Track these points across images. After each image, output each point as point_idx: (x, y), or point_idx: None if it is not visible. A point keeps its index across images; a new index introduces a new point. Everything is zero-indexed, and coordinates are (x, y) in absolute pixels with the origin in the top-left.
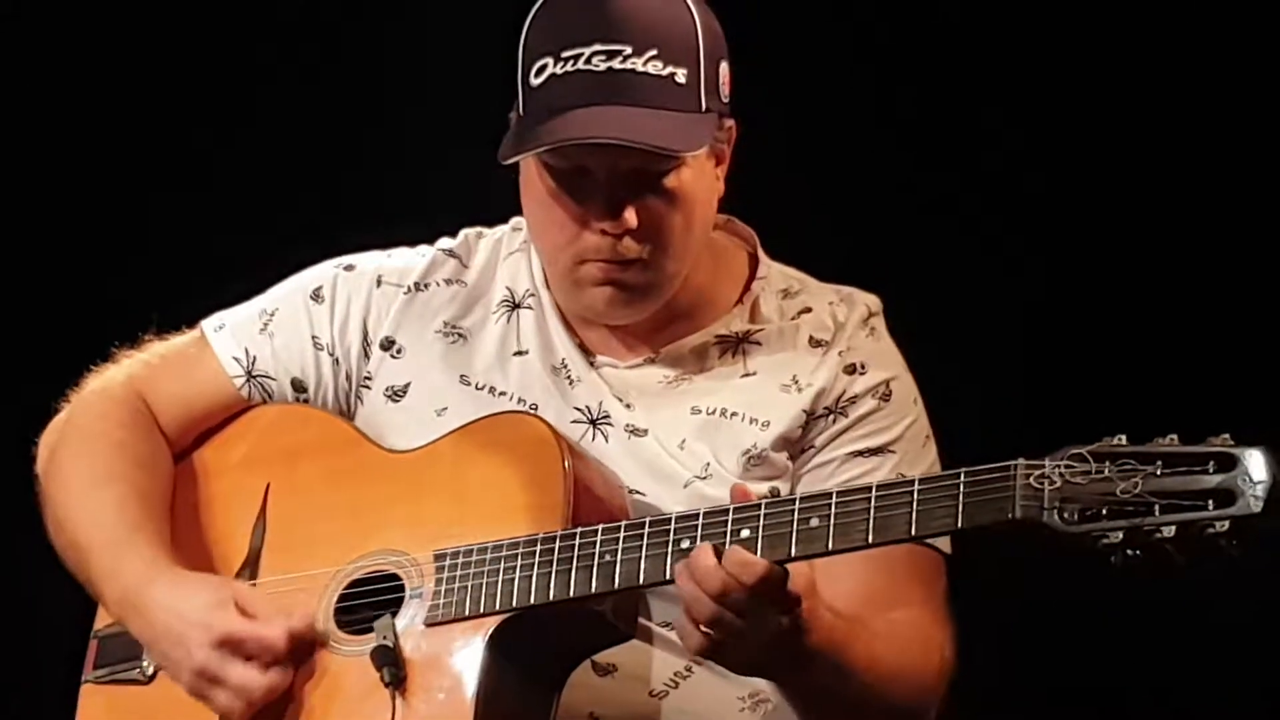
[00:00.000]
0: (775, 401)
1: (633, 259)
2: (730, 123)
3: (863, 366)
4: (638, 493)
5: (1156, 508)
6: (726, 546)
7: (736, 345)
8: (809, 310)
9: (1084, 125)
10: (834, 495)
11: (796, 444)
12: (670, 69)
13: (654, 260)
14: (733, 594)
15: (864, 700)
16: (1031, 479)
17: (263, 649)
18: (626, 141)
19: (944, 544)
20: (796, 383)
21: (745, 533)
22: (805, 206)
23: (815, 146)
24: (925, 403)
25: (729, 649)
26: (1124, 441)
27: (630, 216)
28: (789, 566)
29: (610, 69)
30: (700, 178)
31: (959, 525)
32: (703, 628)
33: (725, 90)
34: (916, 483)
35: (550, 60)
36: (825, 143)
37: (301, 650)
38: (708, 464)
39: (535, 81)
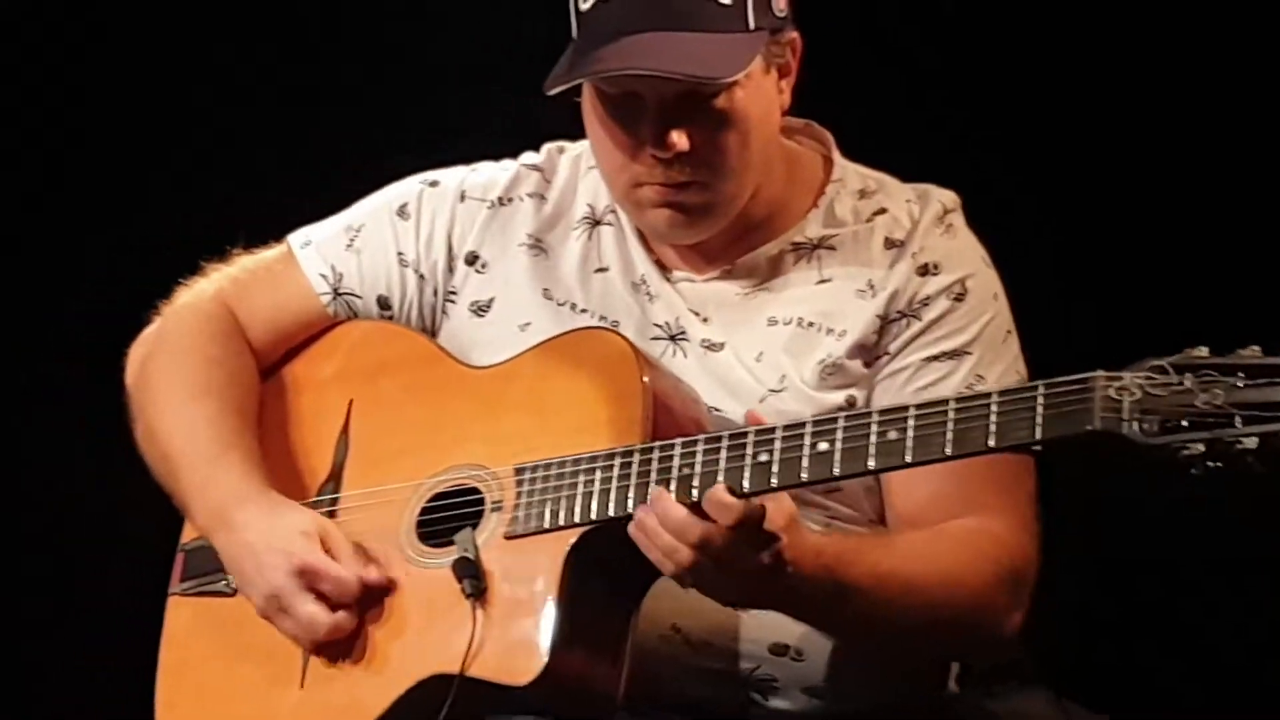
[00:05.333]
0: (850, 308)
1: (687, 181)
2: (790, 36)
3: (935, 267)
4: (715, 409)
5: (1238, 419)
6: (804, 461)
7: (811, 251)
8: (884, 211)
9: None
10: (912, 408)
11: (872, 350)
12: None
13: (710, 181)
14: (712, 540)
15: (889, 615)
16: (1111, 390)
17: (336, 588)
18: (662, 73)
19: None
20: (871, 287)
21: (823, 446)
22: (893, 107)
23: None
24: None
25: (706, 589)
26: (1205, 353)
27: (680, 140)
28: (767, 501)
29: None
30: (756, 95)
31: (1038, 437)
32: (676, 574)
33: (780, 4)
34: (995, 395)
35: None
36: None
37: (384, 559)
38: (783, 376)
39: (584, 6)
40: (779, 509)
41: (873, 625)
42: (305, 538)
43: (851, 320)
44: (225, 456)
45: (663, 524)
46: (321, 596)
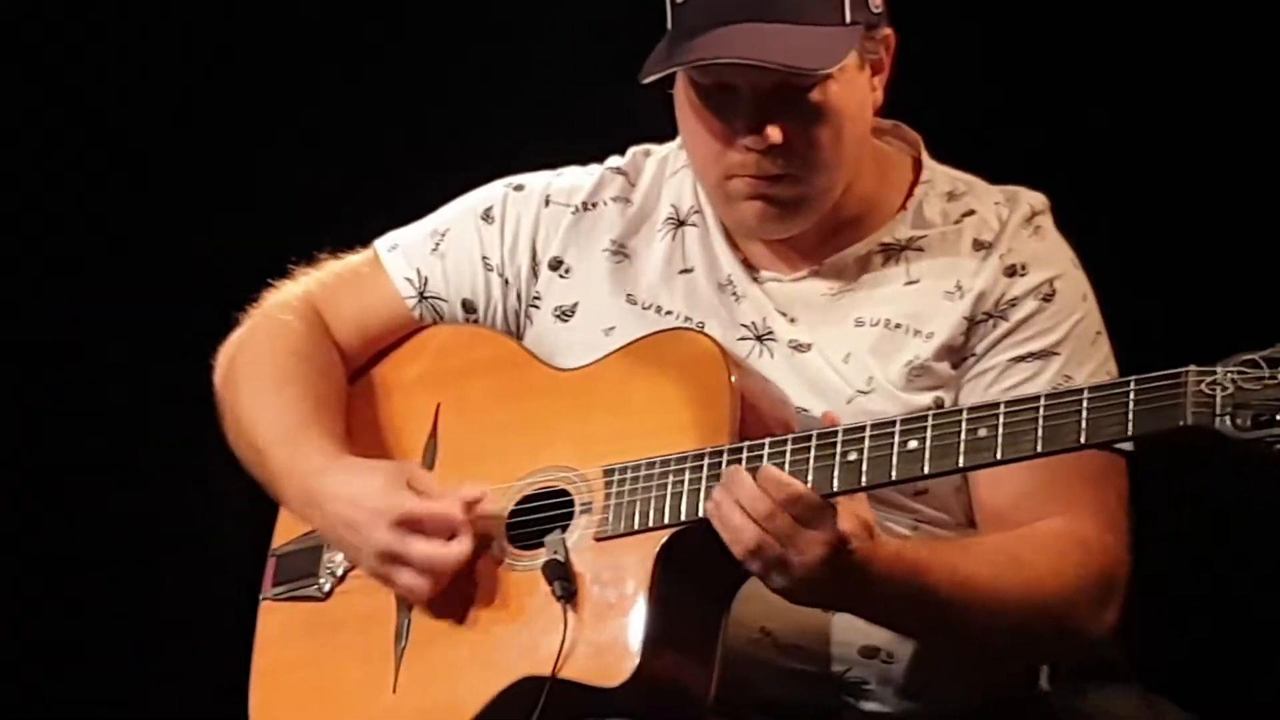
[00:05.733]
0: (938, 310)
1: (779, 174)
2: (885, 32)
3: (1023, 267)
4: (803, 409)
5: None
6: (894, 459)
7: (900, 252)
8: (973, 213)
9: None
10: (1002, 405)
11: (959, 352)
12: None
13: (802, 175)
14: (775, 519)
15: (970, 620)
16: (1204, 385)
17: (441, 523)
18: (758, 62)
19: (1124, 444)
20: (959, 289)
21: (913, 444)
22: (981, 109)
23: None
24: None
25: (776, 583)
26: None
27: (773, 133)
28: (841, 505)
29: None
30: (850, 90)
31: (1129, 433)
32: (745, 557)
33: (876, 1)
34: (1086, 391)
35: None
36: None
37: (476, 560)
38: (871, 378)
39: None
40: (849, 509)
41: (954, 630)
42: (395, 488)
43: (939, 322)
44: (306, 434)
45: (735, 496)
46: (431, 535)
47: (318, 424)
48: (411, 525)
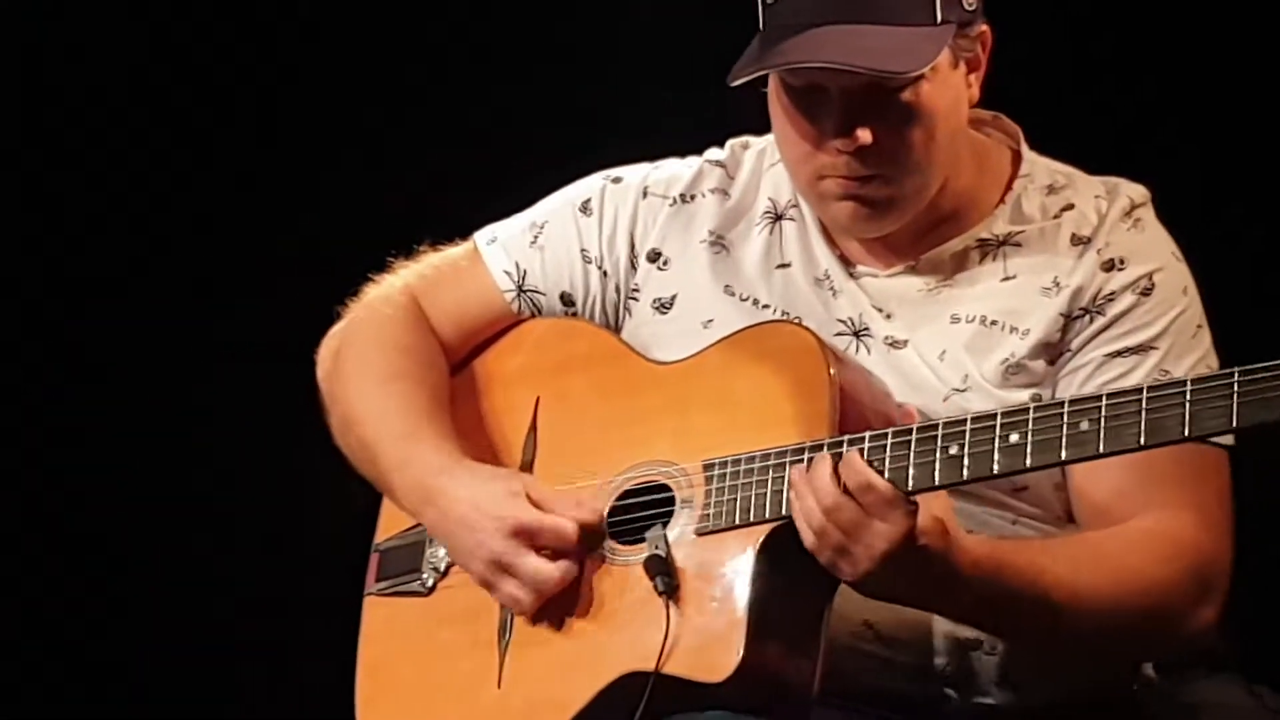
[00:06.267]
0: (1035, 306)
1: (870, 175)
2: (980, 29)
3: (1122, 262)
4: (899, 406)
5: None
6: (995, 453)
7: (997, 248)
8: (1072, 207)
9: None
10: (1104, 397)
11: (1055, 348)
12: None
13: (893, 176)
14: (842, 509)
15: (1058, 620)
16: None
17: (555, 539)
18: (846, 66)
19: (1225, 438)
20: (1056, 285)
21: (1014, 438)
22: (1083, 98)
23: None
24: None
25: (844, 573)
26: None
27: (864, 134)
28: (920, 502)
29: None
30: (943, 89)
31: (1234, 425)
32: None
33: None
34: (1189, 383)
35: None
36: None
37: (581, 556)
38: (967, 375)
39: None
40: (925, 505)
41: (1041, 629)
42: (513, 497)
43: (1035, 319)
44: (422, 431)
45: (811, 483)
46: (542, 550)
47: (431, 423)
48: (526, 537)
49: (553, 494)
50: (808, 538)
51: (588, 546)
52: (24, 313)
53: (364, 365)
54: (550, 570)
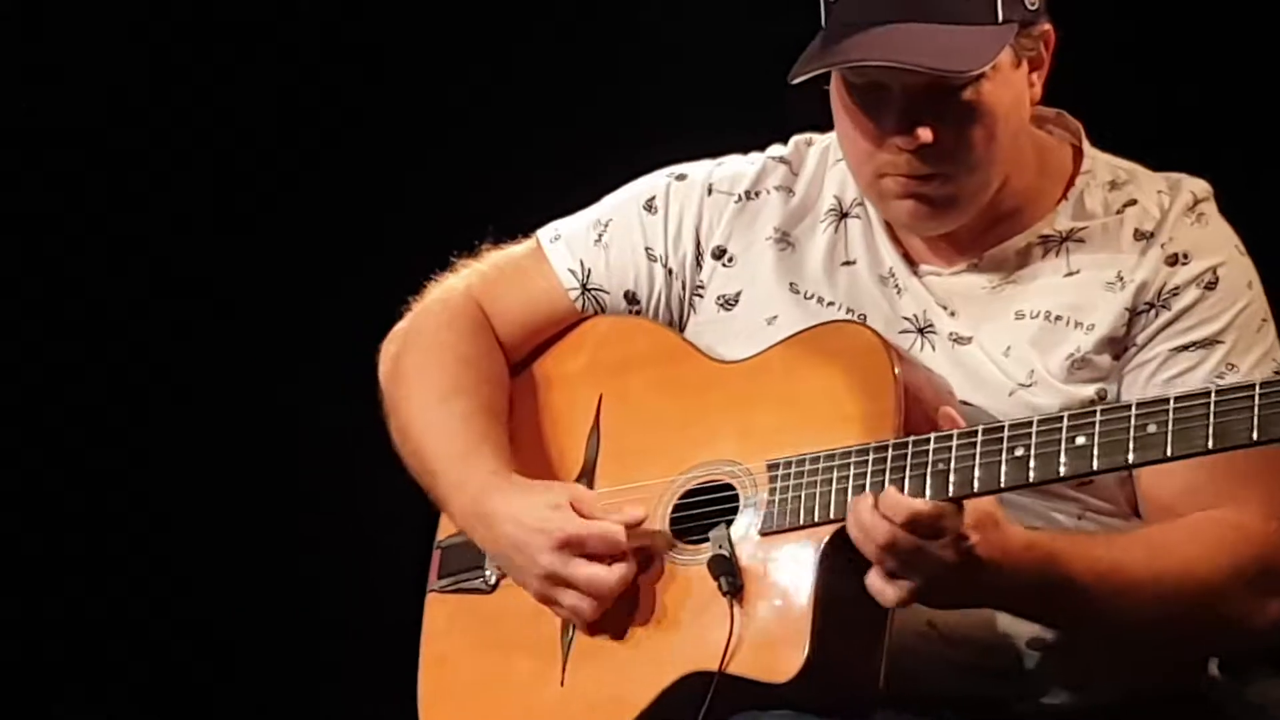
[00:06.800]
0: (1099, 301)
1: (931, 173)
2: (1043, 28)
3: (1185, 256)
4: (965, 403)
5: None
6: (1061, 455)
7: (1060, 244)
8: (1134, 202)
9: None
10: (1172, 400)
11: (1120, 343)
12: None
13: (954, 174)
14: (897, 542)
15: (1115, 611)
16: None
17: (605, 545)
18: (907, 65)
19: None
20: (1120, 280)
21: (1081, 440)
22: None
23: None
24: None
25: (916, 595)
26: None
27: (924, 133)
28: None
29: None
30: (1004, 88)
31: None
32: (883, 580)
33: None
34: (1258, 386)
35: None
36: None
37: (642, 556)
38: (1032, 371)
39: None
40: (973, 508)
41: (1100, 620)
42: (558, 510)
43: (1100, 314)
44: (478, 452)
45: (862, 530)
46: (594, 557)
47: (488, 442)
48: (575, 547)
49: (598, 502)
50: (882, 588)
51: (646, 548)
52: (127, 313)
53: (424, 375)
54: (605, 575)
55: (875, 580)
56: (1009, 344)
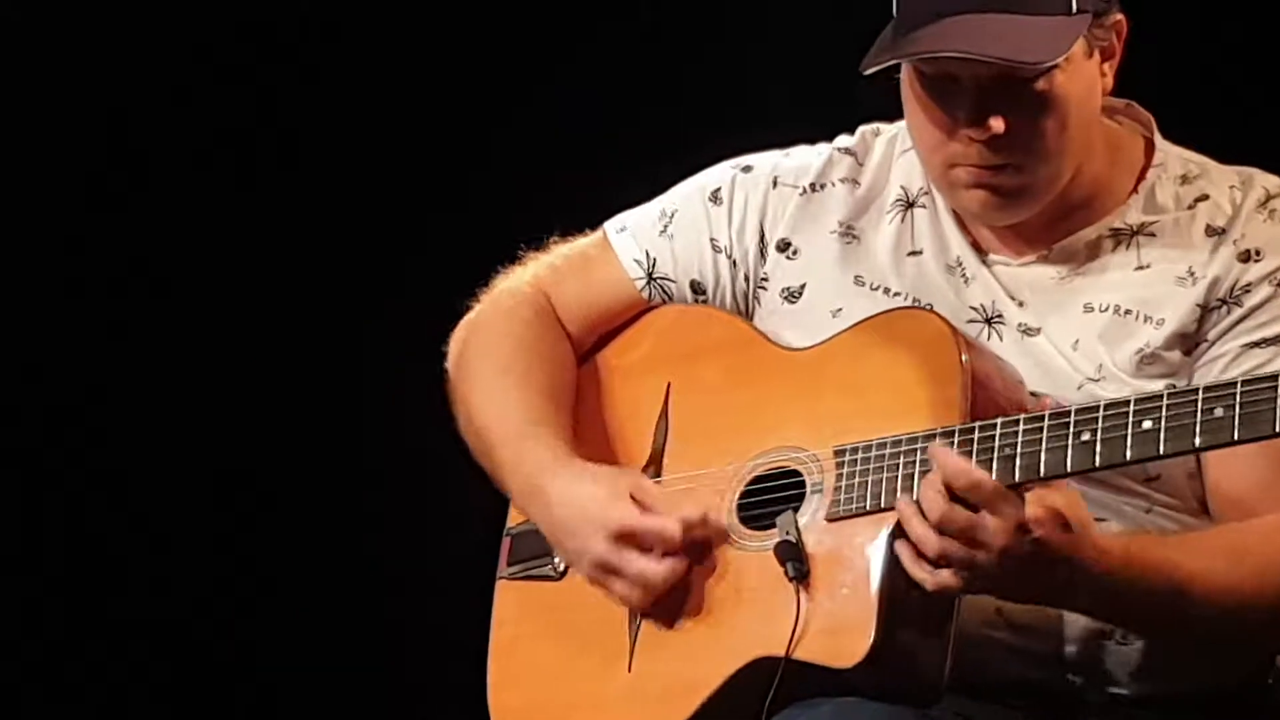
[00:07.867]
0: (1169, 296)
1: (1002, 164)
2: (1115, 18)
3: (1258, 253)
4: (1034, 394)
5: None
6: (1128, 439)
7: (1131, 238)
8: (1206, 197)
9: None
10: (1239, 383)
11: (1191, 339)
12: None
13: (1025, 165)
14: (954, 520)
15: (1193, 615)
16: None
17: (658, 540)
18: (979, 55)
19: None
20: (1191, 275)
21: (1147, 424)
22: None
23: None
24: None
25: (968, 581)
26: None
27: (996, 124)
28: (1032, 493)
29: None
30: (1076, 78)
31: None
32: (936, 567)
33: None
34: None
35: None
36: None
37: (705, 544)
38: (1100, 365)
39: None
40: (1037, 497)
41: (1176, 624)
42: (616, 500)
43: (1170, 309)
44: (536, 433)
45: (915, 506)
46: (647, 550)
47: (547, 422)
48: (628, 539)
49: (658, 495)
50: (925, 575)
51: (708, 539)
52: (205, 311)
53: (486, 360)
54: (656, 569)
55: (914, 567)
56: (1078, 337)
